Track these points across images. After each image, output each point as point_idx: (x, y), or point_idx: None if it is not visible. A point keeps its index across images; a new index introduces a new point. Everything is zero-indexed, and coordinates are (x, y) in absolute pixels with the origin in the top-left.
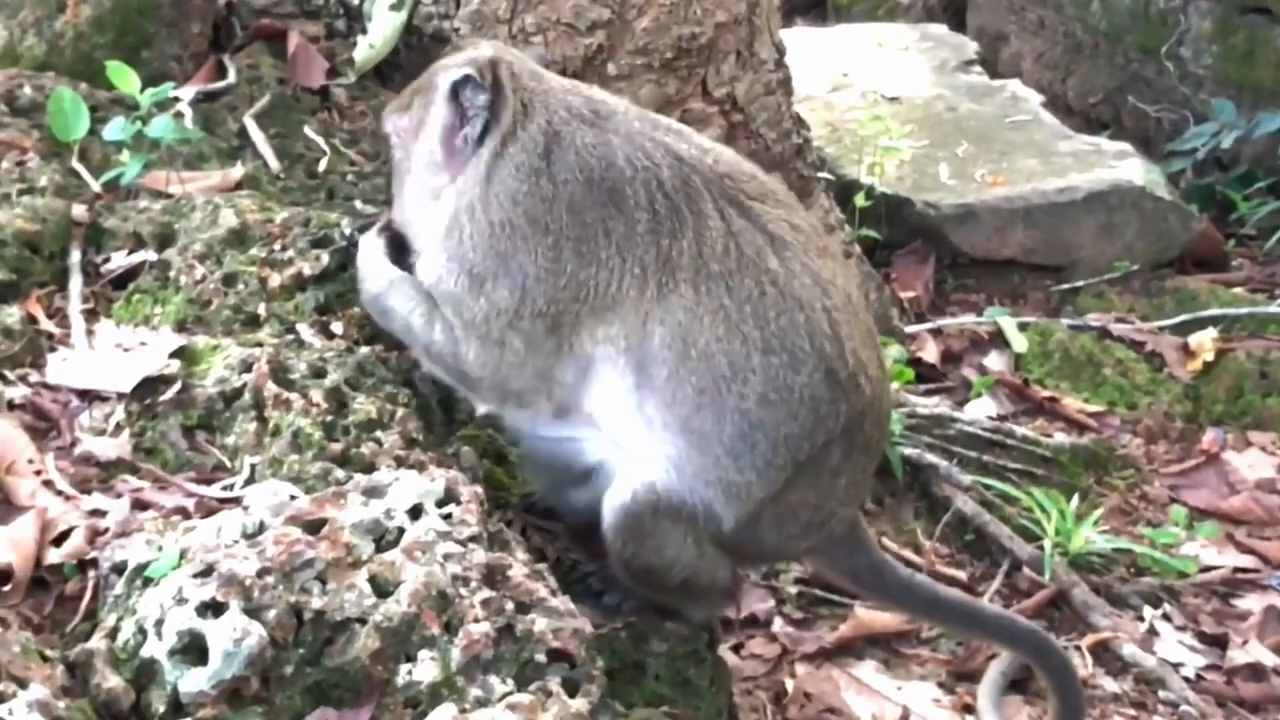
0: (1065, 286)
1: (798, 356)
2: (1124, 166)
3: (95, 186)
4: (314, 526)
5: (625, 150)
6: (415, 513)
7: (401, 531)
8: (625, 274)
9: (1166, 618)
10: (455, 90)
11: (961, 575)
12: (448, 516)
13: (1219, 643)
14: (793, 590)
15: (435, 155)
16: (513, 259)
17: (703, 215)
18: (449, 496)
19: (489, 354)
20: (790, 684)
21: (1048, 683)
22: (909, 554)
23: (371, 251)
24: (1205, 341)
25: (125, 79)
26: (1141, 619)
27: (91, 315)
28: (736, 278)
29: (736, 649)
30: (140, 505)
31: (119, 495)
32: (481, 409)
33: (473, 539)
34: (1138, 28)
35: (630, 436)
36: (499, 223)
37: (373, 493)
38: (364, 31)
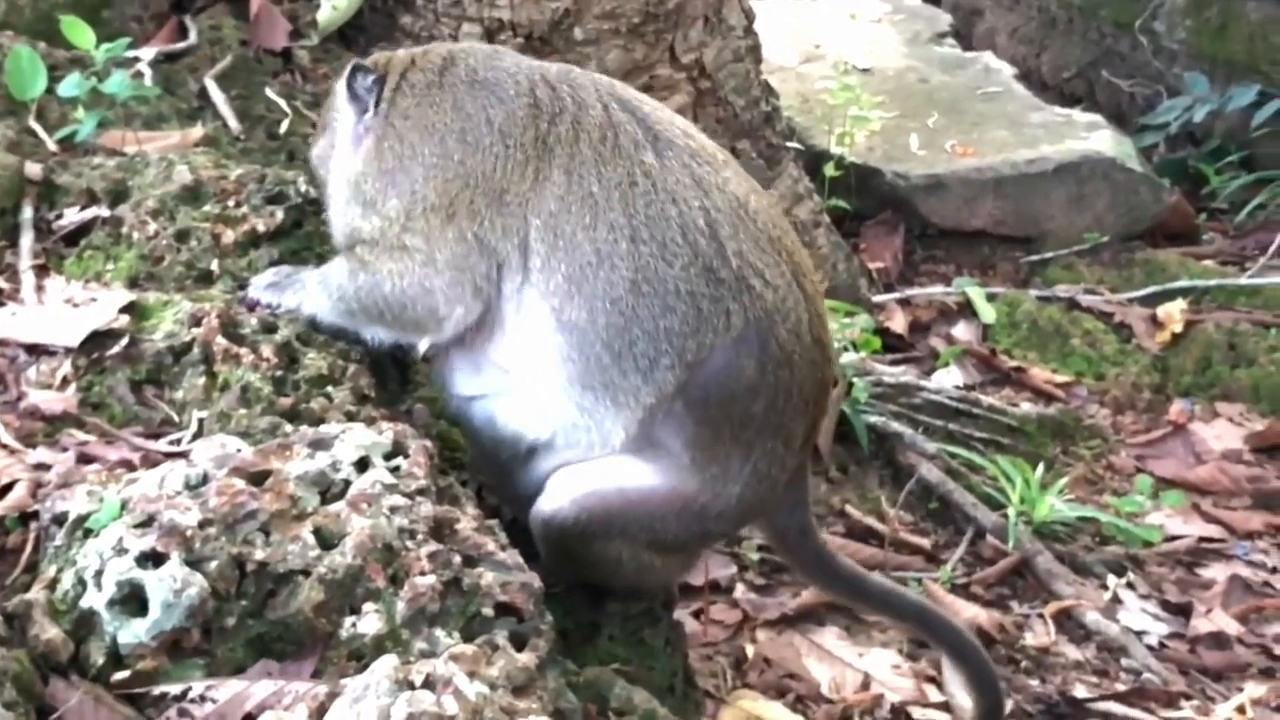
0: (1035, 258)
1: (669, 248)
2: (1095, 138)
3: (51, 144)
4: (258, 478)
5: (514, 59)
6: (362, 465)
7: (348, 484)
8: (508, 159)
9: (1130, 586)
10: (349, 85)
11: (925, 543)
12: (395, 469)
13: (1183, 611)
14: (755, 557)
15: (347, 147)
16: (400, 171)
17: (584, 105)
18: (397, 450)
19: (397, 263)
20: (751, 650)
21: (948, 658)
22: (872, 521)
23: (292, 290)
24: (1174, 313)
25: (79, 33)
26: (1105, 587)
27: (43, 271)
28: (609, 165)
29: (697, 615)
30: (85, 459)
31: (64, 449)
32: (422, 347)
33: (420, 492)
34: (1111, 2)
35: (521, 345)
36: (388, 146)
37: (319, 445)
38: None
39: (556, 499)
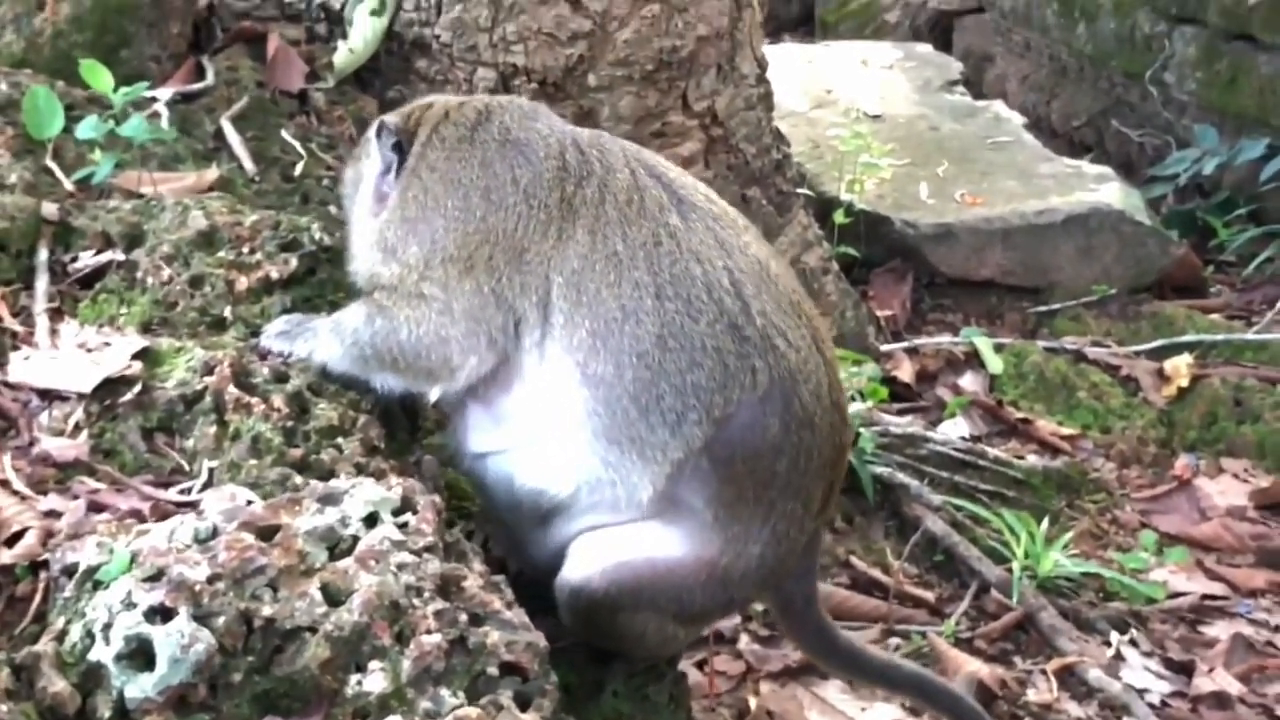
0: (1042, 309)
1: (695, 305)
2: (1104, 190)
3: (68, 185)
4: (267, 533)
5: (547, 121)
6: (370, 521)
7: (356, 540)
8: (530, 219)
9: (1133, 643)
10: (378, 135)
11: (929, 596)
12: (403, 526)
13: (1185, 670)
14: (759, 607)
15: (369, 198)
16: (422, 221)
17: (612, 169)
18: (405, 505)
19: (415, 310)
20: (754, 702)
21: None
22: (877, 573)
23: (303, 338)
24: (1181, 367)
25: (98, 77)
26: (1108, 644)
27: (57, 315)
28: (634, 226)
29: (700, 665)
30: (96, 507)
31: (75, 497)
32: (434, 396)
33: (428, 549)
34: (1122, 52)
35: (544, 398)
36: (413, 196)
37: (328, 500)
38: (344, 36)
39: (585, 569)
